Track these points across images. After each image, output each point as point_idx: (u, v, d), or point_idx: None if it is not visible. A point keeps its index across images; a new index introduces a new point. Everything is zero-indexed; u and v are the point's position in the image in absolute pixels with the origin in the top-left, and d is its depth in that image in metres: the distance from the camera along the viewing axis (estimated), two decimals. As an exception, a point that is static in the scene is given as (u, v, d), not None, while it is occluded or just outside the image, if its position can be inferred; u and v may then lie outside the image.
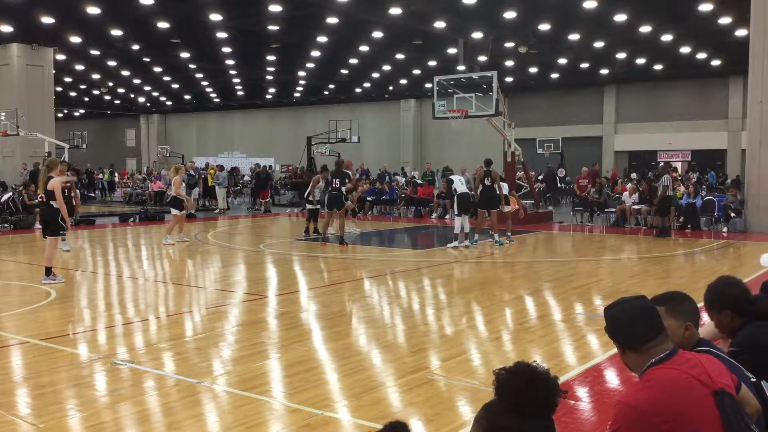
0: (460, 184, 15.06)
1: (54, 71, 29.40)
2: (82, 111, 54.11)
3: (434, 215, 23.56)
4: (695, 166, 33.66)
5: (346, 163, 18.66)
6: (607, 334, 2.56)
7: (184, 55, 30.65)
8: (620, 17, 22.69)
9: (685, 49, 28.24)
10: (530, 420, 1.97)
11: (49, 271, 10.47)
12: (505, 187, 15.89)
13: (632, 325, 2.47)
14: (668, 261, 13.32)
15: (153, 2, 21.32)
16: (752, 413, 2.49)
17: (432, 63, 31.51)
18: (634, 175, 31.57)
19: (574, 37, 26.03)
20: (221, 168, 28.70)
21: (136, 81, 39.40)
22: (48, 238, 10.60)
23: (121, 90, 43.42)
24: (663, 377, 2.33)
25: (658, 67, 32.57)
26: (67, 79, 37.74)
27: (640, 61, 31.27)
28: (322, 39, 26.74)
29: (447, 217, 22.73)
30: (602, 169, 31.71)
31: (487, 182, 15.20)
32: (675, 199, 18.74)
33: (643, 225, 19.42)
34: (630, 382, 5.63)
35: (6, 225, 19.21)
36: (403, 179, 31.29)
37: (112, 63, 33.05)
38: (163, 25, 24.35)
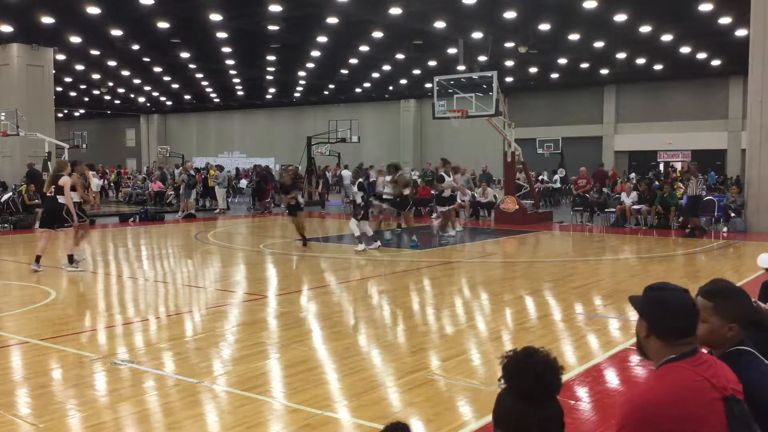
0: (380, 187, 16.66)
1: (54, 71, 29.38)
2: (82, 111, 54.11)
3: (434, 215, 23.50)
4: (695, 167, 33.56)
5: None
6: (638, 311, 2.42)
7: (184, 55, 30.65)
8: (620, 17, 22.68)
9: (685, 49, 28.24)
10: (537, 406, 1.95)
11: (71, 259, 11.38)
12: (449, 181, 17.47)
13: (674, 316, 2.34)
14: (668, 261, 13.32)
15: (153, 2, 21.31)
16: None
17: (432, 63, 31.51)
18: (633, 176, 31.58)
19: (574, 37, 26.03)
20: (221, 168, 28.66)
21: (136, 81, 39.41)
22: (60, 230, 11.53)
23: (121, 90, 43.43)
24: (676, 377, 2.27)
25: (658, 67, 32.57)
26: (67, 79, 37.74)
27: (640, 61, 31.26)
28: (322, 39, 26.74)
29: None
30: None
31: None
32: (675, 198, 18.74)
33: (643, 225, 19.41)
34: (631, 382, 5.64)
35: (6, 225, 19.21)
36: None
37: (112, 63, 33.06)
38: (163, 25, 24.35)
